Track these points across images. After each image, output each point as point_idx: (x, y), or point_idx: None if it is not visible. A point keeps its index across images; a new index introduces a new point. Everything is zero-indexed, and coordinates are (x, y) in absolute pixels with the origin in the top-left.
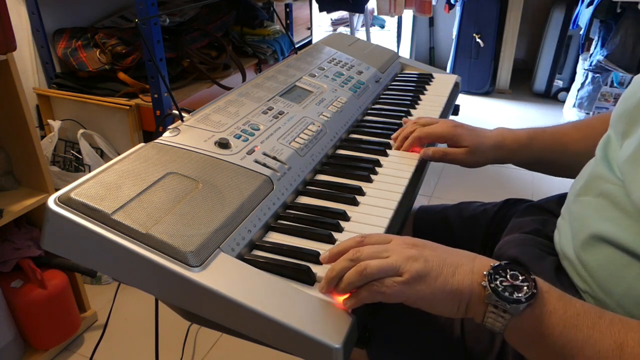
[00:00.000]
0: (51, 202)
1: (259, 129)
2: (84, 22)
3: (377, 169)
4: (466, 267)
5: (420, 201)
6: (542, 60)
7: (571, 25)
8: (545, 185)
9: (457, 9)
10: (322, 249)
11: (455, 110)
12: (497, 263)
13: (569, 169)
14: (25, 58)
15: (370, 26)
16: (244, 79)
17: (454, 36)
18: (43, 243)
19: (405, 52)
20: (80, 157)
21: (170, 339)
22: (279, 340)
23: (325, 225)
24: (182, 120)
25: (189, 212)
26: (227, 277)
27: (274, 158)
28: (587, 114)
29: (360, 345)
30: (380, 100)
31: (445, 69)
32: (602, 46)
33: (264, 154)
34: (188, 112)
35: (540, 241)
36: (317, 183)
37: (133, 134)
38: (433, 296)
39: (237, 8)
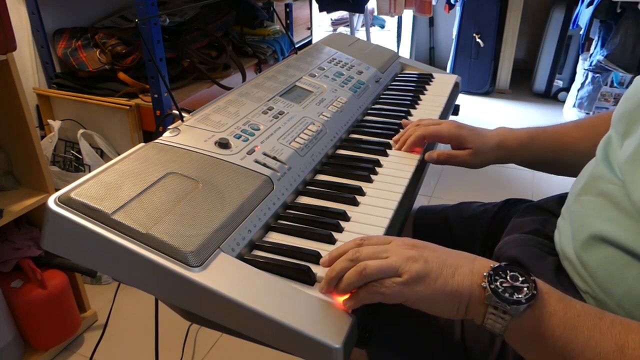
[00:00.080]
0: (51, 202)
1: (259, 129)
2: (84, 22)
3: (377, 169)
4: (466, 268)
5: (420, 201)
6: (542, 60)
7: (571, 25)
8: (545, 185)
9: (457, 9)
10: (322, 249)
11: (455, 110)
12: (497, 264)
13: (571, 168)
14: (25, 58)
15: (370, 26)
16: (244, 79)
17: (454, 36)
18: (43, 243)
19: (405, 52)
20: (80, 157)
21: (170, 339)
22: (279, 340)
23: (325, 225)
24: (182, 120)
25: (189, 212)
26: (227, 277)
27: (274, 158)
28: (587, 114)
29: (360, 345)
30: (380, 100)
31: (445, 69)
32: (602, 46)
33: (264, 154)
34: (188, 112)
35: (541, 241)
36: (317, 183)
37: (133, 134)
38: (433, 297)
39: (237, 8)
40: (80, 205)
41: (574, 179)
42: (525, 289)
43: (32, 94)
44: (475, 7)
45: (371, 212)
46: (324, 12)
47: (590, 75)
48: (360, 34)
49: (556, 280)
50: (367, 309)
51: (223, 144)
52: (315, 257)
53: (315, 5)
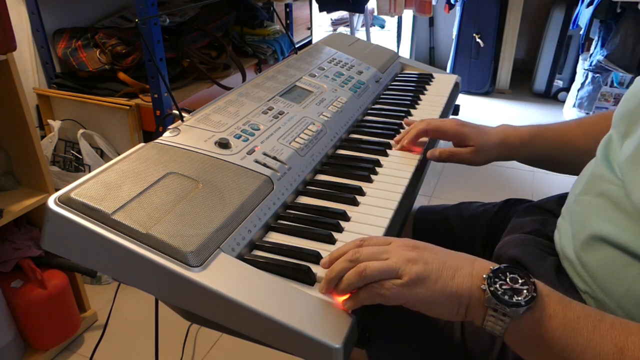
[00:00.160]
0: (51, 202)
1: (259, 129)
2: (84, 22)
3: (377, 169)
4: (466, 270)
5: (420, 201)
6: (542, 60)
7: (571, 25)
8: (545, 185)
9: (457, 9)
10: (322, 249)
11: (455, 110)
12: (496, 266)
13: (572, 166)
14: (25, 58)
15: (370, 26)
16: (244, 79)
17: (454, 36)
18: (43, 243)
19: (405, 52)
20: (80, 157)
21: (170, 339)
22: (279, 340)
23: (325, 225)
24: (182, 120)
25: (189, 212)
26: (227, 277)
27: (274, 158)
28: (587, 113)
29: (360, 345)
30: (381, 100)
31: (445, 69)
32: (602, 46)
33: (264, 154)
34: (188, 112)
35: (541, 241)
36: (317, 183)
37: (133, 134)
38: (432, 299)
39: (237, 8)
40: (80, 205)
41: (574, 179)
42: (525, 291)
43: (32, 94)
44: (475, 7)
45: (371, 212)
46: (324, 12)
47: (590, 75)
48: (360, 34)
49: (556, 280)
50: (367, 309)
51: (223, 144)
52: (315, 257)
53: (315, 5)
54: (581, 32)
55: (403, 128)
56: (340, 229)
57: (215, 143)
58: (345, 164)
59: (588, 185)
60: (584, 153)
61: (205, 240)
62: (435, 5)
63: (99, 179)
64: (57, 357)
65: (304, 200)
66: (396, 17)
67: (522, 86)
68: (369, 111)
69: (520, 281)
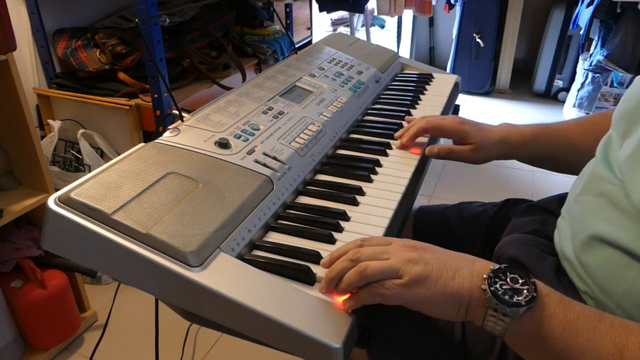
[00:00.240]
0: (51, 202)
1: (259, 129)
2: (84, 22)
3: (377, 169)
4: (466, 270)
5: (420, 201)
6: (542, 60)
7: (571, 25)
8: (545, 185)
9: (457, 9)
10: (322, 249)
11: (455, 111)
12: (497, 266)
13: (573, 165)
14: (25, 58)
15: (370, 26)
16: (244, 79)
17: (454, 36)
18: (43, 243)
19: (405, 52)
20: (80, 157)
21: (170, 339)
22: (279, 340)
23: (325, 225)
24: (182, 120)
25: (189, 212)
26: (227, 277)
27: (274, 158)
28: (587, 113)
29: (360, 345)
30: (380, 100)
31: (445, 69)
32: (602, 46)
33: (264, 154)
34: (188, 112)
35: (541, 241)
36: (317, 183)
37: (133, 134)
38: (433, 299)
39: (237, 8)
40: (80, 205)
41: (574, 179)
42: (525, 291)
43: (32, 94)
44: (475, 7)
45: (371, 212)
46: (324, 12)
47: (590, 75)
48: (360, 34)
49: (556, 280)
50: (367, 309)
51: (223, 144)
52: (315, 257)
53: (315, 5)
54: (581, 32)
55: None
56: (340, 229)
57: (215, 143)
58: (345, 164)
59: (587, 186)
60: (585, 152)
61: (205, 240)
62: (435, 5)
63: (99, 179)
64: (57, 357)
65: (304, 200)
66: (396, 17)
67: (522, 86)
68: (369, 111)
69: (520, 281)
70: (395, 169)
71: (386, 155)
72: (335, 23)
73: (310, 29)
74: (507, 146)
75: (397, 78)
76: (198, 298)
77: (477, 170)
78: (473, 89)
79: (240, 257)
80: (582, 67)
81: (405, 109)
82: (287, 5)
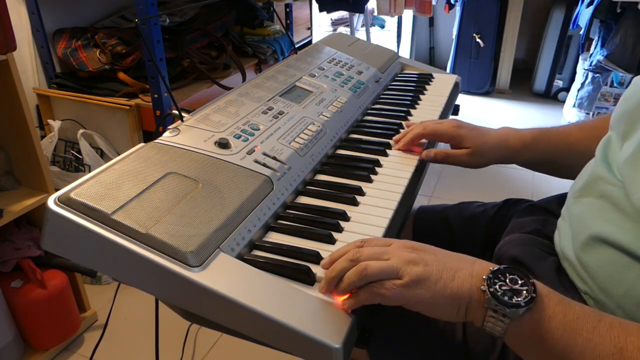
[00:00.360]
0: (51, 202)
1: (259, 129)
2: (84, 22)
3: (377, 169)
4: (465, 271)
5: (420, 201)
6: (542, 60)
7: (571, 25)
8: (545, 185)
9: (457, 9)
10: (322, 249)
11: (455, 110)
12: (496, 267)
13: (573, 170)
14: (25, 58)
15: (370, 26)
16: (244, 79)
17: (454, 36)
18: (43, 243)
19: (405, 52)
20: (80, 157)
21: (170, 339)
22: (279, 341)
23: (325, 225)
24: (182, 120)
25: (189, 212)
26: (227, 277)
27: (274, 158)
28: (587, 114)
29: (360, 345)
30: (380, 100)
31: (445, 69)
32: (602, 46)
33: (264, 154)
34: (188, 112)
35: (541, 241)
36: (317, 183)
37: (133, 134)
38: (432, 300)
39: (237, 8)
40: (80, 205)
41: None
42: (525, 292)
43: (32, 94)
44: (475, 7)
45: (371, 212)
46: (324, 12)
47: (590, 75)
48: (360, 34)
49: (556, 280)
50: (367, 309)
51: (223, 144)
52: (315, 257)
53: (315, 5)
54: (581, 32)
55: (403, 128)
56: (340, 229)
57: (215, 143)
58: (345, 164)
59: (587, 186)
60: (586, 156)
61: (205, 240)
62: (435, 5)
63: (98, 179)
64: (57, 357)
65: (304, 200)
66: (396, 17)
67: (522, 86)
68: (369, 111)
69: (519, 282)
70: (395, 169)
71: (386, 155)
72: (335, 23)
73: (310, 29)
74: (506, 149)
75: (397, 78)
76: (198, 298)
77: (477, 171)
78: (473, 89)
79: (240, 257)
80: (582, 67)
81: (405, 109)
82: (287, 5)
